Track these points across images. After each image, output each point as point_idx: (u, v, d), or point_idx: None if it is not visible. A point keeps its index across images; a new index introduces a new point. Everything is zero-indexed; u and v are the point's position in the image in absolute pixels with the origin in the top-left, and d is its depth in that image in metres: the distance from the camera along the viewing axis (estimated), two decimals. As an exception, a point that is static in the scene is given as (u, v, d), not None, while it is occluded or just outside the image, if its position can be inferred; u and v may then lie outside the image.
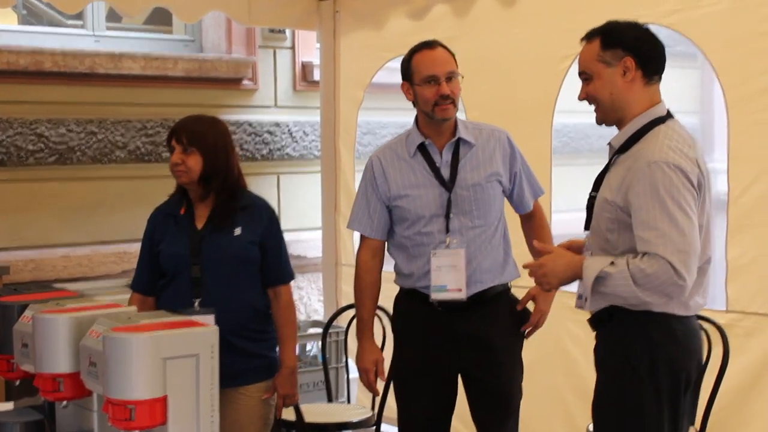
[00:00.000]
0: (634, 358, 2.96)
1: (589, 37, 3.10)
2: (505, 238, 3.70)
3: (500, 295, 3.67)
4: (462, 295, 3.56)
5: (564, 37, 4.59)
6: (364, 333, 3.78)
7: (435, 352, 3.64)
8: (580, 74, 3.12)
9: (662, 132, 2.98)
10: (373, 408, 4.53)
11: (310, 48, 6.52)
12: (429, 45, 3.64)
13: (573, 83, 4.70)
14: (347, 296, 5.76)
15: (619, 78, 2.99)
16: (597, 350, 3.14)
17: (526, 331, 3.74)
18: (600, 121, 3.13)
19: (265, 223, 3.66)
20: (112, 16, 6.03)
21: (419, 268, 3.63)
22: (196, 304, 3.47)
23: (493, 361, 3.64)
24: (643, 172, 2.87)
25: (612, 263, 2.88)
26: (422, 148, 3.63)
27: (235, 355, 3.43)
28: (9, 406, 3.15)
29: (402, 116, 6.99)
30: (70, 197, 5.60)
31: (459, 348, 3.62)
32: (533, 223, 3.79)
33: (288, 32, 6.44)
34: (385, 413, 4.44)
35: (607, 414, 3.06)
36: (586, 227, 3.19)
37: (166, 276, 3.62)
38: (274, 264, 3.67)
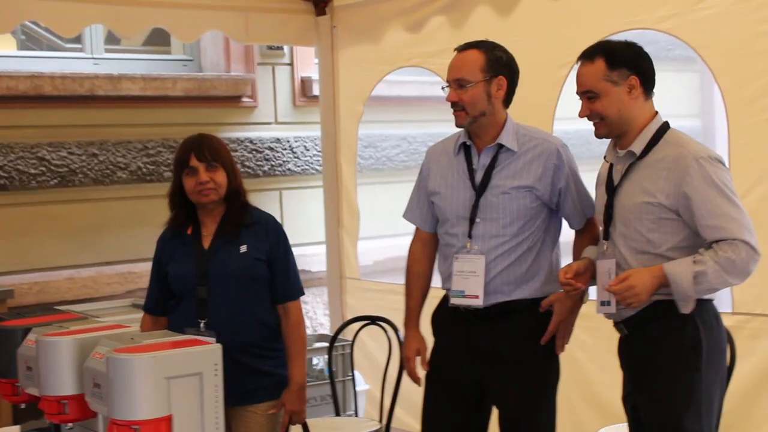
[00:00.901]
0: (696, 343, 3.12)
1: (590, 56, 3.24)
2: (540, 253, 3.52)
3: (524, 310, 3.51)
4: (479, 302, 3.49)
5: (562, 44, 4.60)
6: (410, 322, 3.75)
7: (454, 358, 3.59)
8: (584, 93, 3.24)
9: (680, 133, 3.24)
10: (381, 420, 4.53)
11: (308, 63, 6.53)
12: (460, 48, 3.57)
13: (572, 90, 4.73)
14: (352, 309, 5.77)
15: (625, 96, 3.20)
16: (648, 346, 3.21)
17: (554, 346, 3.58)
18: (603, 135, 3.29)
19: (272, 239, 3.63)
20: (111, 39, 6.05)
21: (446, 269, 3.60)
22: (202, 324, 3.43)
23: (508, 376, 3.52)
24: (694, 168, 3.08)
25: (695, 261, 3.05)
26: (465, 149, 3.58)
27: (245, 373, 3.43)
28: (15, 429, 3.15)
29: (403, 128, 7.06)
30: (73, 219, 5.61)
31: (475, 358, 3.53)
32: (578, 242, 3.63)
33: (286, 48, 6.44)
34: (393, 425, 4.43)
35: (682, 404, 3.13)
36: (605, 236, 3.28)
37: (176, 296, 3.59)
38: (282, 280, 3.64)
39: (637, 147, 3.19)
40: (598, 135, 3.28)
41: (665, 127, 3.23)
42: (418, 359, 3.71)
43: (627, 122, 3.20)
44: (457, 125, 3.54)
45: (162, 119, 5.92)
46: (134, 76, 5.78)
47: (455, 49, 3.57)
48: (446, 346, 3.67)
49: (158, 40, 6.30)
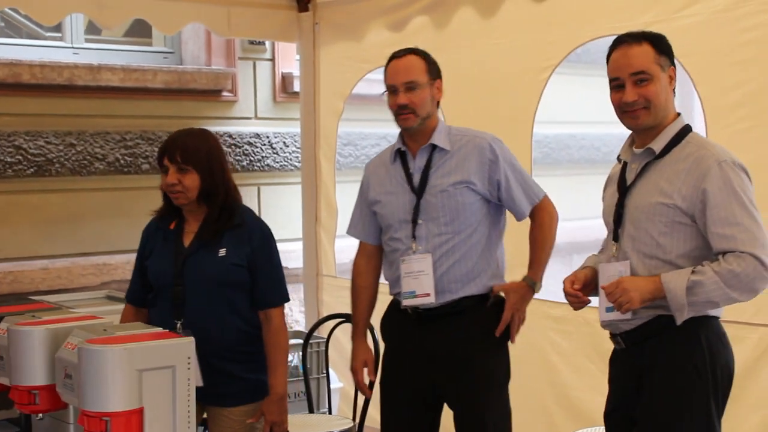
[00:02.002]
0: (700, 366, 2.97)
1: (636, 38, 3.04)
2: (486, 248, 3.59)
3: (473, 307, 3.56)
4: (431, 300, 3.53)
5: (544, 48, 4.62)
6: (356, 334, 3.82)
7: (409, 362, 3.63)
8: (636, 74, 3.01)
9: (702, 136, 3.10)
10: (354, 418, 4.52)
11: (289, 59, 6.52)
12: (398, 54, 3.63)
13: (552, 94, 4.75)
14: (328, 307, 5.76)
15: (668, 84, 3.04)
16: (645, 363, 3.06)
17: (506, 340, 3.64)
18: (645, 124, 3.05)
19: (255, 244, 3.52)
20: (92, 29, 6.01)
21: (392, 274, 3.65)
22: (179, 325, 3.33)
23: (464, 376, 3.56)
24: (715, 171, 2.92)
25: (693, 272, 2.90)
26: (401, 155, 3.64)
27: (219, 377, 3.35)
28: (-15, 419, 3.13)
29: (382, 127, 7.05)
30: (49, 209, 5.57)
31: (427, 360, 3.57)
32: (530, 231, 3.69)
33: (268, 44, 6.43)
34: (366, 423, 4.43)
35: (678, 424, 3.01)
36: (615, 238, 3.13)
37: (154, 290, 3.52)
38: (264, 286, 3.54)
39: (658, 145, 3.03)
40: (639, 125, 3.05)
41: (688, 129, 3.06)
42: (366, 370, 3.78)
43: (664, 113, 3.03)
44: (405, 128, 3.59)
45: (141, 111, 5.89)
46: (114, 67, 5.75)
47: (392, 57, 3.63)
48: (397, 350, 3.71)
49: (139, 31, 6.27)
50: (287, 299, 3.64)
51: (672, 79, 3.04)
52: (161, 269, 3.50)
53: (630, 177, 3.10)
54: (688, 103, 7.20)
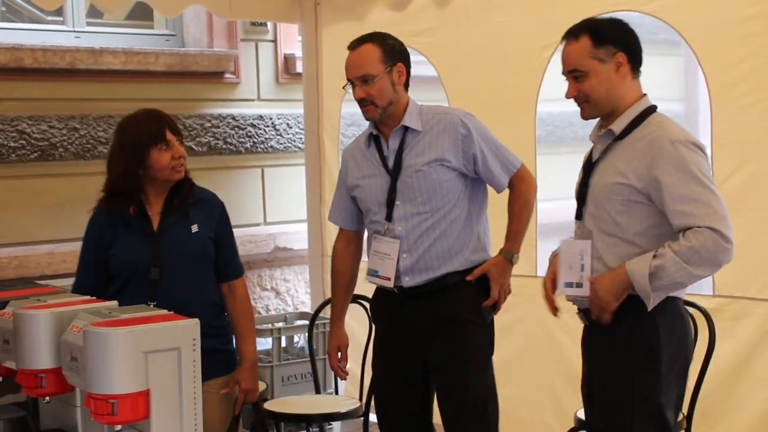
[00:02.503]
0: (656, 347, 3.01)
1: (575, 34, 3.15)
2: (465, 224, 3.60)
3: (456, 284, 3.58)
4: (389, 284, 3.59)
5: (547, 25, 4.59)
6: (333, 318, 3.93)
7: (398, 341, 3.67)
8: (570, 72, 3.15)
9: (664, 117, 3.12)
10: (361, 399, 4.53)
11: (292, 40, 6.49)
12: (352, 46, 3.63)
13: (556, 72, 4.71)
14: (333, 288, 5.75)
15: (613, 74, 3.09)
16: (604, 342, 3.13)
17: (490, 315, 3.65)
18: (589, 116, 3.19)
19: (217, 217, 3.58)
20: (93, 13, 5.99)
21: (368, 249, 3.70)
22: (152, 307, 3.26)
23: (447, 351, 3.59)
24: (669, 151, 2.97)
25: (654, 256, 2.93)
26: (375, 139, 3.67)
27: None
28: (-8, 403, 3.13)
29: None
30: (53, 194, 5.57)
31: (419, 337, 3.60)
32: (508, 202, 3.70)
33: (270, 25, 6.41)
34: (373, 403, 4.43)
35: (631, 404, 3.06)
36: (578, 216, 3.22)
37: (116, 281, 3.47)
38: (228, 258, 3.60)
39: (618, 126, 3.10)
40: (584, 117, 3.20)
41: (651, 109, 3.13)
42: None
43: (614, 102, 3.11)
44: (368, 119, 3.63)
45: (144, 94, 5.86)
46: (116, 50, 5.74)
47: (348, 47, 3.63)
48: (386, 330, 3.76)
49: (141, 14, 6.24)
50: (243, 270, 3.70)
51: (621, 65, 3.08)
52: (133, 255, 3.44)
53: (595, 157, 3.18)
54: (693, 79, 7.17)
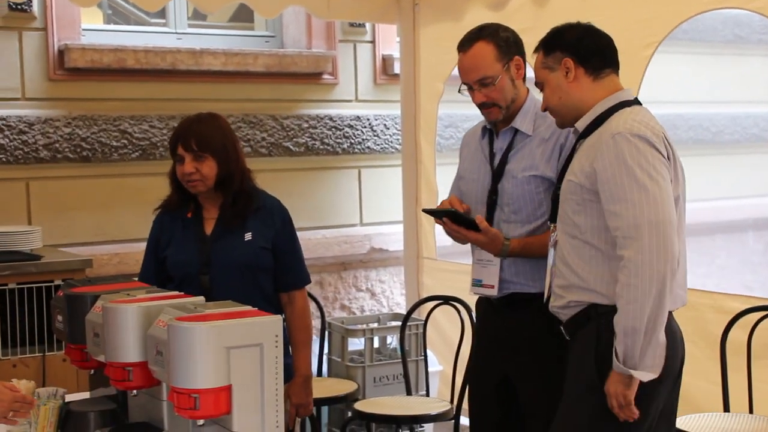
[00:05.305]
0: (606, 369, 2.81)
1: (537, 47, 3.11)
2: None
3: (531, 301, 3.33)
4: (494, 292, 3.41)
5: (645, 24, 4.49)
6: None
7: (485, 351, 3.57)
8: (536, 84, 3.13)
9: (630, 110, 2.93)
10: (452, 401, 4.49)
11: (390, 41, 6.49)
12: (464, 47, 3.41)
13: (656, 72, 4.61)
14: (428, 289, 5.73)
15: (563, 80, 3.00)
16: (572, 357, 2.97)
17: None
18: (561, 125, 3.13)
19: (278, 226, 3.52)
20: (196, 15, 6.09)
21: (472, 258, 3.55)
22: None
23: (525, 371, 3.41)
24: (608, 144, 2.81)
25: (616, 340, 2.74)
26: (489, 132, 3.52)
27: None
28: (85, 395, 3.19)
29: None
30: (153, 192, 5.56)
31: (500, 349, 3.47)
32: None
33: (368, 26, 6.42)
34: (464, 406, 4.39)
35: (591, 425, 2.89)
36: (552, 219, 3.10)
37: (174, 281, 3.49)
38: (287, 268, 3.54)
39: (582, 123, 2.99)
40: (558, 126, 3.14)
41: (623, 105, 2.96)
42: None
43: (574, 108, 3.00)
44: (491, 121, 3.44)
45: (242, 95, 5.95)
46: (216, 52, 5.82)
47: (458, 48, 3.43)
48: (481, 337, 3.63)
49: (242, 16, 6.33)
50: (309, 281, 3.62)
51: (569, 70, 2.99)
52: (185, 258, 3.47)
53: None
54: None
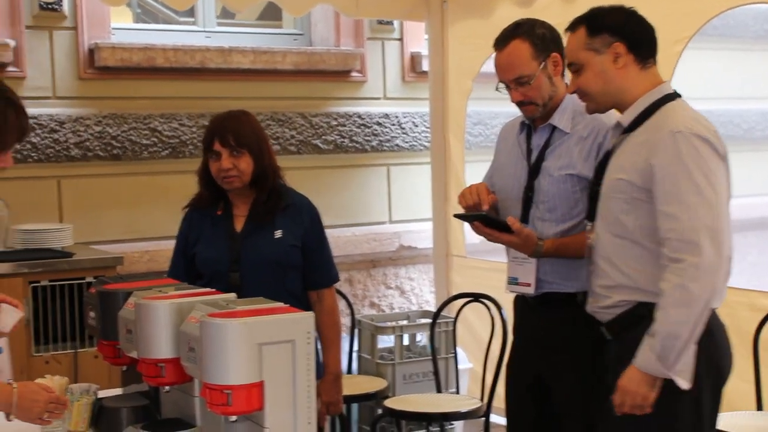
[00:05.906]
0: (696, 389, 2.73)
1: (573, 26, 2.96)
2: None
3: (567, 301, 3.28)
4: (530, 290, 3.36)
5: (678, 19, 4.46)
6: None
7: (522, 349, 3.53)
8: (569, 66, 2.97)
9: (679, 105, 2.82)
10: (482, 399, 4.48)
11: (418, 39, 6.49)
12: (500, 45, 3.34)
13: (686, 67, 4.58)
14: (458, 287, 5.72)
15: (610, 66, 2.86)
16: (620, 356, 2.84)
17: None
18: (592, 111, 3.00)
19: (306, 224, 3.51)
20: (224, 14, 6.11)
21: (508, 256, 3.50)
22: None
23: (559, 370, 3.35)
24: (666, 143, 2.69)
25: (651, 335, 2.67)
26: (527, 128, 3.46)
27: None
28: (118, 391, 3.21)
29: (513, 106, 6.96)
30: (182, 190, 5.58)
31: (536, 348, 3.43)
32: None
33: (396, 23, 6.42)
34: (494, 404, 4.38)
35: (639, 425, 2.79)
36: (590, 217, 3.01)
37: (203, 278, 3.49)
38: (316, 266, 3.53)
39: (626, 118, 2.87)
40: (588, 112, 3.02)
41: (668, 98, 2.84)
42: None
43: (615, 95, 2.87)
44: (529, 117, 3.39)
45: (271, 93, 5.96)
46: (245, 50, 5.83)
47: (494, 46, 3.37)
48: (517, 334, 3.58)
49: (271, 14, 6.34)
50: (337, 279, 3.61)
51: (619, 55, 2.85)
52: (215, 255, 3.46)
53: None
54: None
